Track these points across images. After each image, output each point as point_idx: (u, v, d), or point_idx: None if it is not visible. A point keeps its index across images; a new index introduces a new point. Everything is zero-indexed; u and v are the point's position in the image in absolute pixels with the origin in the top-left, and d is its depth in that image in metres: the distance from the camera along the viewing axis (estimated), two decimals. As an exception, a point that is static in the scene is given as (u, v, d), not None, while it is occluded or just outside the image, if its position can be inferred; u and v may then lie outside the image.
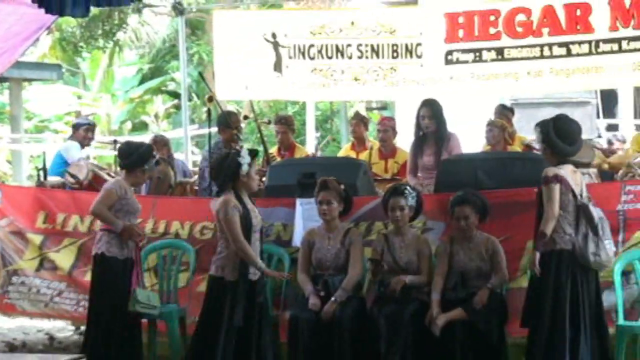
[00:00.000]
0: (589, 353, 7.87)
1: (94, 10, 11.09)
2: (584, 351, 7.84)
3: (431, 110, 10.71)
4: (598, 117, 19.05)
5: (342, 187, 8.90)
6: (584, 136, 11.68)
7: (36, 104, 25.83)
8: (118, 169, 12.90)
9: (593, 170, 9.97)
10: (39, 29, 11.81)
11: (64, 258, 10.04)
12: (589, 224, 7.92)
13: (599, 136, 16.51)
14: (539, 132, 8.13)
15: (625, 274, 8.63)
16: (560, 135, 8.02)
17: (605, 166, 11.16)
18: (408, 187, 8.90)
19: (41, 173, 11.52)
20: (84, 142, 12.15)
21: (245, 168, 8.11)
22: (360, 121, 12.48)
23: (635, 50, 12.91)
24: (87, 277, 9.99)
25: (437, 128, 10.69)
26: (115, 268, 8.78)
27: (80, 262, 10.11)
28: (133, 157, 9.04)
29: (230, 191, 8.11)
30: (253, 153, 8.41)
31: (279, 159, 11.54)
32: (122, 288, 8.76)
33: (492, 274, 8.55)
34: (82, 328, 10.89)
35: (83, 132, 12.23)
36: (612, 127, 19.34)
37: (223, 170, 8.20)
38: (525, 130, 13.59)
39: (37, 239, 10.29)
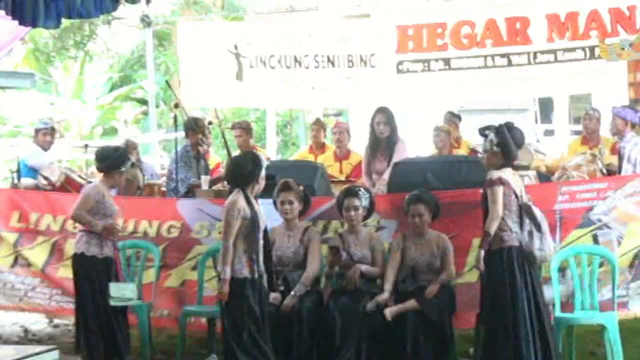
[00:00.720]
0: (534, 342, 7.89)
1: (65, 21, 10.95)
2: (535, 341, 7.86)
3: (386, 117, 10.70)
4: (536, 122, 19.17)
5: (301, 188, 8.90)
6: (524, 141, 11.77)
7: (10, 111, 25.63)
8: (89, 171, 12.87)
9: (532, 173, 10.00)
10: (13, 39, 11.73)
11: (37, 255, 9.95)
12: (533, 222, 7.95)
13: (538, 141, 16.60)
14: (495, 136, 8.10)
15: (561, 270, 8.66)
16: (514, 141, 8.06)
17: (543, 169, 11.18)
18: (362, 189, 8.90)
19: (15, 175, 11.44)
20: (45, 146, 12.01)
21: (264, 172, 7.96)
22: (320, 127, 12.49)
23: (570, 60, 13.01)
24: (60, 274, 9.96)
25: (390, 134, 10.70)
26: (95, 267, 8.68)
27: (53, 259, 10.03)
28: (110, 161, 8.92)
29: (240, 192, 7.87)
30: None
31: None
32: (105, 285, 8.65)
33: (441, 269, 8.57)
34: (56, 321, 10.90)
35: (42, 136, 12.09)
36: (549, 132, 19.45)
37: (245, 171, 7.94)
38: (471, 135, 13.65)
39: (11, 237, 10.19)
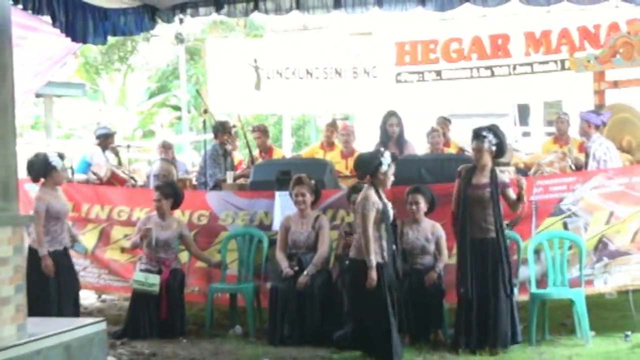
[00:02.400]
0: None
1: (110, 39, 11.00)
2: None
3: (397, 119, 10.81)
4: (515, 125, 19.14)
5: (313, 182, 8.89)
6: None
7: (64, 116, 25.65)
8: (131, 167, 12.89)
9: (512, 168, 9.96)
10: (67, 54, 11.73)
11: (87, 240, 9.96)
12: None
13: (516, 141, 16.59)
14: (493, 137, 8.10)
15: (537, 252, 8.66)
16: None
17: (521, 165, 11.16)
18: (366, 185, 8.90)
19: (69, 172, 11.46)
20: (105, 147, 12.04)
21: (384, 168, 7.77)
22: (334, 128, 12.47)
23: (544, 71, 13.03)
24: (107, 255, 9.98)
25: (400, 133, 10.75)
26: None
27: (100, 243, 10.05)
28: (35, 168, 8.88)
29: (371, 187, 7.77)
30: (394, 158, 8.02)
31: (260, 159, 11.50)
32: None
33: (435, 253, 8.57)
34: (104, 296, 10.93)
35: (104, 139, 12.12)
36: (526, 134, 19.40)
37: (365, 164, 7.90)
38: (460, 137, 13.64)
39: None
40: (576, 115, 10.47)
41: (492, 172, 8.10)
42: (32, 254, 8.70)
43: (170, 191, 9.41)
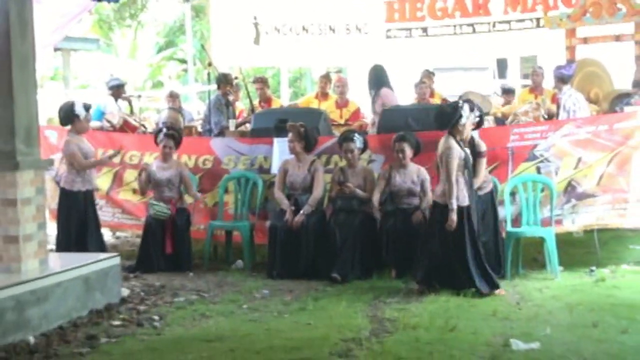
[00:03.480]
0: None
1: (122, -2, 10.96)
2: None
3: (370, 73, 10.84)
4: (494, 78, 19.10)
5: (303, 129, 8.89)
6: (485, 93, 11.77)
7: (80, 68, 25.53)
8: (142, 115, 12.88)
9: (491, 118, 9.99)
10: (82, 11, 11.68)
11: (103, 182, 9.96)
12: None
13: (495, 93, 16.56)
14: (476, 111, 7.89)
15: (512, 194, 8.70)
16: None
17: (499, 114, 11.19)
18: (356, 134, 8.91)
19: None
20: (117, 97, 12.01)
21: (464, 120, 7.61)
22: (327, 80, 12.44)
23: (521, 29, 13.00)
24: (120, 196, 9.99)
25: (372, 86, 10.79)
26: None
27: (115, 185, 10.04)
28: (62, 115, 8.97)
29: (450, 137, 7.61)
30: (472, 109, 7.79)
31: (260, 108, 11.50)
32: None
33: (420, 195, 8.59)
34: (117, 233, 10.98)
35: (117, 89, 12.09)
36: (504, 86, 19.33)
37: (447, 116, 7.68)
38: (444, 88, 13.64)
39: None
40: (551, 69, 10.47)
41: (472, 141, 8.04)
42: (64, 194, 8.88)
43: (178, 137, 9.42)
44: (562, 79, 9.80)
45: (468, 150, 7.73)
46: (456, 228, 7.47)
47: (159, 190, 9.19)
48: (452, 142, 7.58)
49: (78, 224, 8.81)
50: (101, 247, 9.00)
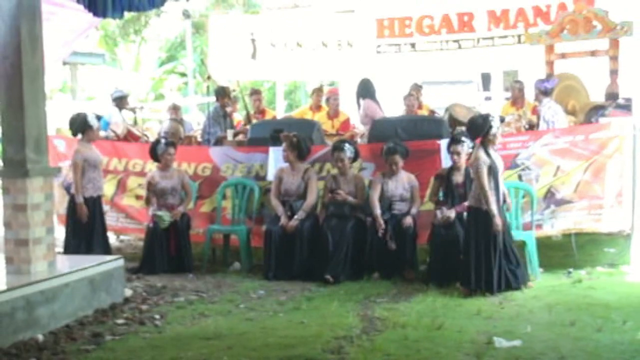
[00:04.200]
0: None
1: (127, 14, 10.94)
2: None
3: (358, 86, 10.99)
4: (478, 91, 19.14)
5: (296, 139, 8.91)
6: (469, 105, 11.81)
7: (87, 81, 25.52)
8: (145, 126, 12.88)
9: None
10: (89, 27, 11.68)
11: (107, 188, 9.94)
12: None
13: (480, 105, 16.59)
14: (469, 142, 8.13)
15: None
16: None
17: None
18: (347, 144, 8.90)
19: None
20: (121, 107, 12.03)
21: (494, 130, 7.61)
22: (319, 92, 12.50)
23: (503, 45, 13.04)
24: (124, 202, 10.00)
25: (358, 98, 10.84)
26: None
27: (119, 191, 10.05)
28: (76, 125, 8.95)
29: (480, 147, 7.64)
30: (502, 120, 7.99)
31: (255, 119, 11.53)
32: None
33: (411, 200, 8.63)
34: (121, 237, 10.96)
35: (120, 101, 12.12)
36: (488, 99, 19.37)
37: (478, 127, 7.67)
38: (431, 101, 13.69)
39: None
40: (531, 83, 10.52)
41: (466, 170, 8.17)
42: (72, 201, 8.90)
43: (174, 145, 9.50)
44: (543, 92, 9.84)
45: (498, 159, 7.73)
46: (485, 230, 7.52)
47: (162, 198, 9.20)
48: (480, 153, 7.58)
49: (86, 228, 8.81)
50: (106, 250, 9.01)
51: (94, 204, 8.93)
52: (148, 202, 9.32)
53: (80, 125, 8.95)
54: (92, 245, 8.76)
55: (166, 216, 8.99)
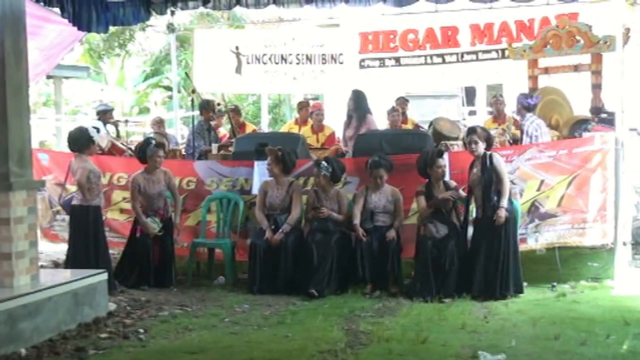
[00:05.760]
0: None
1: (112, 28, 10.96)
2: None
3: (353, 95, 10.97)
4: (463, 105, 19.20)
5: (280, 153, 8.91)
6: (454, 119, 11.84)
7: (71, 95, 25.48)
8: (129, 139, 12.84)
9: (460, 142, 10.02)
10: (74, 41, 11.66)
11: (91, 202, 9.93)
12: None
13: (464, 119, 16.65)
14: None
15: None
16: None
17: (464, 133, 11.25)
18: (324, 162, 8.84)
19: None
20: (106, 121, 12.00)
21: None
22: (306, 107, 12.51)
23: (487, 59, 13.08)
24: (108, 215, 9.92)
25: (354, 109, 10.80)
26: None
27: (103, 205, 9.98)
28: (78, 140, 8.74)
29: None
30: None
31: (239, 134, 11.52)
32: None
33: (394, 213, 8.64)
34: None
35: (104, 114, 12.10)
36: (472, 112, 19.46)
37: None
38: (415, 115, 13.73)
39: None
40: (514, 97, 10.57)
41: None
42: (76, 211, 8.62)
43: (163, 146, 9.43)
44: (527, 107, 9.89)
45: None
46: None
47: (149, 202, 9.11)
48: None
49: (89, 240, 8.60)
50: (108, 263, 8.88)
51: (95, 213, 8.70)
52: (135, 208, 9.15)
53: (84, 141, 8.73)
54: (97, 258, 8.56)
55: (156, 223, 8.93)
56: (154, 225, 8.92)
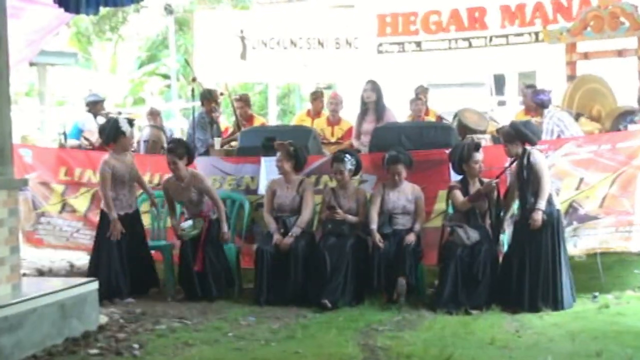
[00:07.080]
0: None
1: (103, 9, 10.93)
2: None
3: (372, 86, 10.83)
4: (491, 95, 19.18)
5: (292, 148, 8.87)
6: (481, 110, 11.79)
7: (58, 84, 25.56)
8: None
9: (488, 136, 9.98)
10: (60, 24, 11.67)
11: (80, 203, 9.96)
12: None
13: (492, 110, 16.61)
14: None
15: (512, 215, 8.64)
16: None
17: (496, 133, 11.19)
18: (347, 155, 8.81)
19: (62, 137, 11.50)
20: (96, 113, 12.02)
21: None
22: (320, 97, 12.50)
23: (519, 43, 13.05)
24: (99, 218, 9.92)
25: (376, 99, 10.74)
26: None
27: (93, 206, 10.01)
28: (107, 133, 8.85)
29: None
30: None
31: (244, 126, 11.50)
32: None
33: (414, 214, 8.59)
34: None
35: (94, 106, 12.11)
36: (501, 103, 19.43)
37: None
38: (438, 105, 13.67)
39: (59, 188, 10.18)
40: (550, 85, 10.52)
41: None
42: (104, 216, 8.78)
43: (183, 150, 9.03)
44: (542, 104, 9.84)
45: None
46: None
47: (188, 210, 9.03)
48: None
49: (122, 249, 8.67)
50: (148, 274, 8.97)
51: (124, 222, 8.74)
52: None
53: (111, 133, 8.79)
54: (129, 268, 8.65)
55: (189, 228, 8.86)
56: (189, 230, 8.82)
